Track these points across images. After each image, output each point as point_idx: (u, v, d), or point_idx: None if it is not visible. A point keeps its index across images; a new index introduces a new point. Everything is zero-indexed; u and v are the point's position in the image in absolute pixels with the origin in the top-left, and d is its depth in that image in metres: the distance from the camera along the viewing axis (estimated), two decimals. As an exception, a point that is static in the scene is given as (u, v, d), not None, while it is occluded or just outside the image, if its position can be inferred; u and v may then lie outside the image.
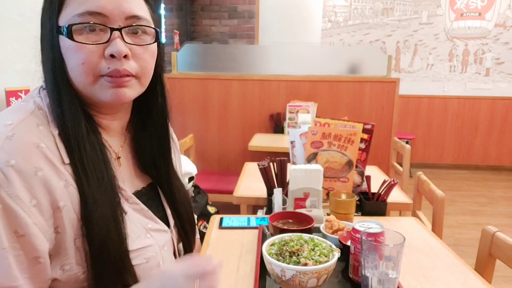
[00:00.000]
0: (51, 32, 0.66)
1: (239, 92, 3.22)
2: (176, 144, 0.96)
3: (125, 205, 0.71)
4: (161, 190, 0.85)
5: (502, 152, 5.21)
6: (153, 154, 0.82)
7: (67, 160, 0.64)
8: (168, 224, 0.82)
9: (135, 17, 0.67)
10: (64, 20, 0.65)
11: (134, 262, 0.69)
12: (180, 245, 0.88)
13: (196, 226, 0.93)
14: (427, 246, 1.12)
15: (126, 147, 0.81)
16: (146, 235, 0.74)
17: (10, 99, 1.83)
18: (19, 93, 1.88)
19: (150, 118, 0.80)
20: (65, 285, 0.65)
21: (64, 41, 0.65)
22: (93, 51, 0.64)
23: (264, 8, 5.00)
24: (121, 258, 0.67)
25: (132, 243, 0.69)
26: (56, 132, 0.65)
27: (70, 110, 0.66)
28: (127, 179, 0.77)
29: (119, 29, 0.65)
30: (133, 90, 0.70)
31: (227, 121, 3.26)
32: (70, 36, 0.64)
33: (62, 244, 0.63)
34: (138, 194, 0.78)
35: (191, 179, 1.99)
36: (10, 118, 0.63)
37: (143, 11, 0.70)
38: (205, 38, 4.98)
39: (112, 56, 0.65)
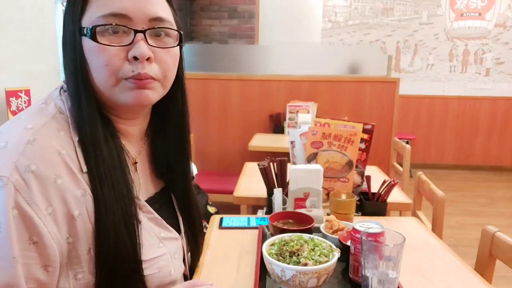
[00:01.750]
0: (74, 34, 0.65)
1: (239, 92, 3.22)
2: None
3: (140, 214, 0.70)
4: (175, 195, 0.84)
5: (503, 152, 5.21)
6: (170, 159, 0.81)
7: (85, 169, 0.63)
8: (179, 231, 0.82)
9: (159, 19, 0.66)
10: (87, 21, 0.64)
11: (147, 272, 0.69)
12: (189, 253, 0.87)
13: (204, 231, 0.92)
14: (427, 246, 1.12)
15: (143, 152, 0.80)
16: (159, 244, 0.73)
17: (10, 99, 1.83)
18: (19, 93, 1.88)
19: (169, 122, 0.79)
20: None
21: (87, 42, 0.64)
22: (116, 53, 0.64)
23: (264, 8, 5.00)
24: (133, 269, 0.66)
25: (146, 253, 0.69)
26: (76, 139, 0.64)
27: (88, 113, 0.65)
28: (142, 185, 0.77)
29: (143, 31, 0.64)
30: (156, 93, 0.69)
31: (227, 121, 3.26)
32: (93, 37, 0.63)
33: (75, 253, 0.62)
34: (151, 200, 0.77)
35: (191, 179, 1.99)
36: (31, 121, 0.62)
37: (166, 13, 0.69)
38: (204, 38, 4.97)
39: (135, 58, 0.64)
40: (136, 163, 0.77)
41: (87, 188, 0.63)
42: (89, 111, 0.65)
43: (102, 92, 0.67)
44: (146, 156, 0.81)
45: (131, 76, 0.64)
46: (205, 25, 4.97)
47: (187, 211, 0.84)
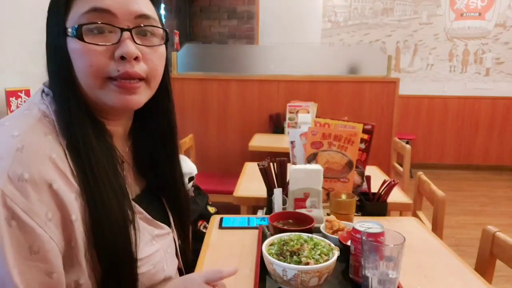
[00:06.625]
0: (58, 35, 0.63)
1: (239, 92, 3.22)
2: None
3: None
4: (164, 193, 0.84)
5: (503, 152, 5.21)
6: (157, 158, 0.80)
7: (76, 172, 0.62)
8: (169, 225, 0.82)
9: (144, 16, 0.65)
10: (71, 21, 0.62)
11: (142, 269, 0.69)
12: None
13: (190, 226, 0.92)
14: (427, 246, 1.12)
15: (128, 151, 0.79)
16: (152, 242, 0.73)
17: (10, 99, 1.83)
18: (19, 93, 1.88)
19: (153, 122, 0.78)
20: None
21: (71, 43, 0.62)
22: (102, 53, 0.62)
23: (264, 8, 5.00)
24: (129, 268, 0.66)
25: (141, 252, 0.69)
26: (64, 143, 0.62)
27: (78, 116, 0.63)
28: (130, 184, 0.76)
29: (129, 30, 0.63)
30: (143, 96, 0.68)
31: (227, 122, 3.26)
32: (79, 36, 0.61)
33: (76, 257, 0.61)
34: (138, 199, 0.76)
35: (191, 179, 1.99)
36: (16, 127, 0.59)
37: (151, 10, 0.68)
38: (204, 39, 4.97)
39: (122, 58, 0.62)
40: (123, 162, 0.76)
41: (79, 191, 0.61)
42: (79, 114, 0.63)
43: (88, 94, 0.65)
44: (130, 155, 0.80)
45: (117, 75, 0.63)
46: (205, 26, 4.98)
47: (178, 209, 0.84)
